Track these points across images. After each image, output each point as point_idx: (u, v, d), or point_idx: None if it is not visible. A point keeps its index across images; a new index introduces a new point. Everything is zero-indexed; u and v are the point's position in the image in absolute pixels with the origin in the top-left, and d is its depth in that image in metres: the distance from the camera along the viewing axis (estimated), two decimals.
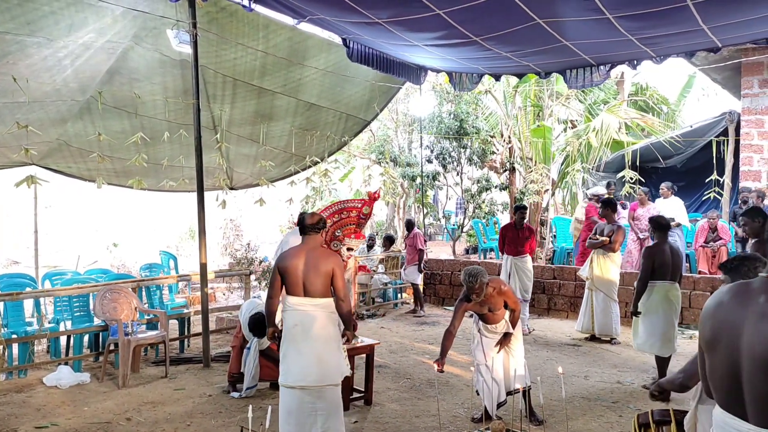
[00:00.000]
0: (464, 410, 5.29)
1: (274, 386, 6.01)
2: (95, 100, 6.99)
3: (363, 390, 5.52)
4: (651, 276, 5.94)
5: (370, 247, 11.20)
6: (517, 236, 8.45)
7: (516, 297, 4.95)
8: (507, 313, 4.87)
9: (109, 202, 15.81)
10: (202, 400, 5.58)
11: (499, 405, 4.86)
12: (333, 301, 4.28)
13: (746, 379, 1.68)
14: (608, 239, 7.71)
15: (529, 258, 8.59)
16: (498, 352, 4.84)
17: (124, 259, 15.32)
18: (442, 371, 4.67)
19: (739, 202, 9.59)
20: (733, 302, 1.83)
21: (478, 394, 4.92)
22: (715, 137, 11.40)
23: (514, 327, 4.89)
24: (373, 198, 5.47)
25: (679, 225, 9.55)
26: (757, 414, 1.66)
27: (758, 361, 1.65)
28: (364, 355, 5.53)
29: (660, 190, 10.15)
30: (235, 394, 5.70)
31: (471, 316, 5.11)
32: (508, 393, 4.85)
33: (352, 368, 5.34)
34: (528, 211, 9.50)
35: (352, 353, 5.30)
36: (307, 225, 4.36)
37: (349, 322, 4.39)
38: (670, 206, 9.65)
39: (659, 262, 5.93)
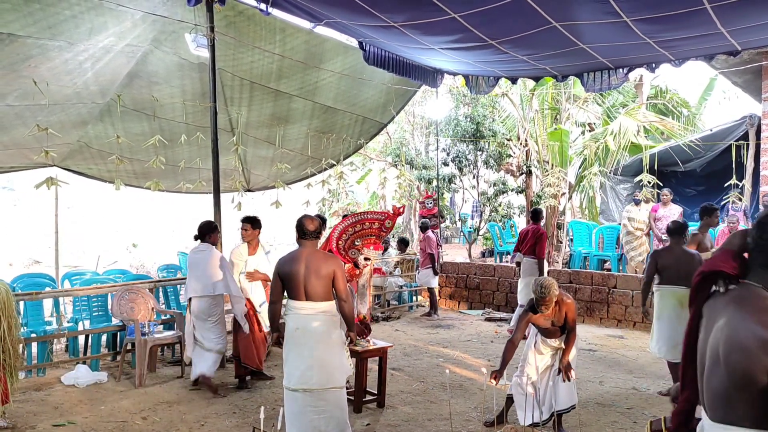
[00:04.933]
0: (477, 414, 5.28)
1: (255, 374, 6.10)
2: (115, 103, 7.10)
3: (375, 393, 5.52)
4: (660, 280, 5.89)
5: (384, 249, 11.22)
6: None
7: (576, 315, 4.66)
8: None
9: (130, 203, 16.04)
10: (216, 401, 5.63)
11: (538, 424, 4.62)
12: (335, 304, 4.29)
13: (705, 376, 1.83)
14: None
15: None
16: (553, 373, 4.65)
17: (143, 260, 15.53)
18: (496, 383, 4.40)
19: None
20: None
21: (511, 400, 4.79)
22: (735, 141, 11.27)
23: (568, 346, 4.61)
24: (397, 213, 5.58)
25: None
26: (708, 409, 1.82)
27: (712, 358, 1.79)
28: (377, 358, 5.54)
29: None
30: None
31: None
32: (552, 415, 4.61)
33: (365, 371, 5.36)
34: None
35: (365, 356, 5.32)
36: (307, 231, 4.31)
37: (351, 323, 4.39)
38: None
39: (663, 265, 5.86)
